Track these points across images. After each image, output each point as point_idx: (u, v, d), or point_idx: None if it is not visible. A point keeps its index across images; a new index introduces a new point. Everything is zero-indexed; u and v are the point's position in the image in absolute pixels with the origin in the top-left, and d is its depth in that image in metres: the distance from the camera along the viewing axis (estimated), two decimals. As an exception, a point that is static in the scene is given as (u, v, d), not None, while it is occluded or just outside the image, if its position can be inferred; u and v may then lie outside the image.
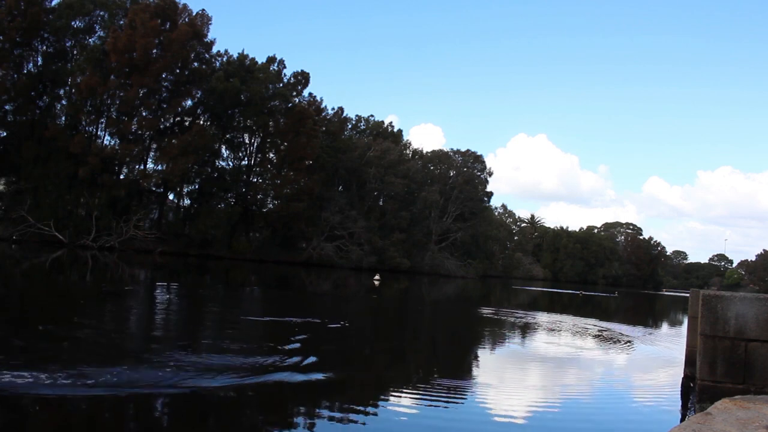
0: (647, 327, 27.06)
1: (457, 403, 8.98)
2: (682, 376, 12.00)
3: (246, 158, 65.40)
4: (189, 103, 58.61)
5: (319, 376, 9.58)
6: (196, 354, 10.25)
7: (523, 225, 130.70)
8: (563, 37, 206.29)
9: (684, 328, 16.03)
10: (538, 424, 8.37)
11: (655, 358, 16.76)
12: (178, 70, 54.94)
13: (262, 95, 59.31)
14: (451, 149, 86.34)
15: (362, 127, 78.11)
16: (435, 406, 8.55)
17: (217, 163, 63.47)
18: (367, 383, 9.98)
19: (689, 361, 11.24)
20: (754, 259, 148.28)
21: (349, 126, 76.23)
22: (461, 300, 38.99)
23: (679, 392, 11.26)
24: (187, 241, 56.75)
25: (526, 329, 21.69)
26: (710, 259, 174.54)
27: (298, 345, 12.07)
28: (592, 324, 25.78)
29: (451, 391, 9.65)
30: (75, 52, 54.33)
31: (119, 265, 36.27)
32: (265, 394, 8.41)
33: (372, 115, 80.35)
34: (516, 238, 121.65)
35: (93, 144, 53.68)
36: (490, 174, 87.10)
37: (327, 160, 64.88)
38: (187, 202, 64.05)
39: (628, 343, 20.57)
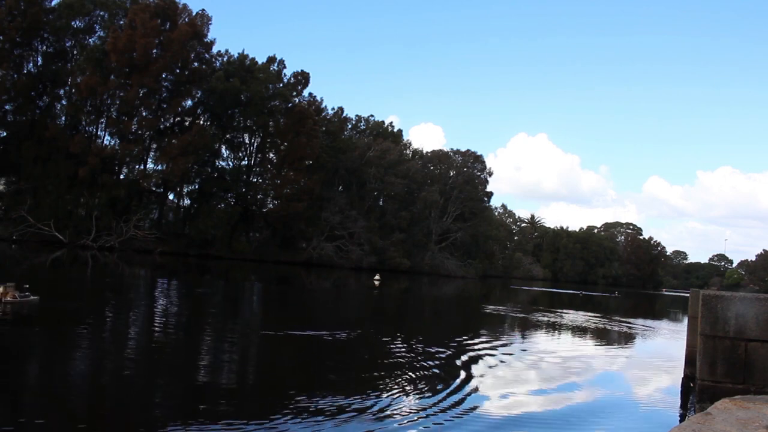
0: (648, 326, 27.05)
1: (456, 401, 8.99)
2: (682, 376, 12.00)
3: (246, 158, 65.43)
4: (189, 103, 58.66)
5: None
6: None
7: (523, 225, 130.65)
8: (564, 37, 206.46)
9: (684, 326, 16.03)
10: (539, 423, 8.38)
11: (655, 358, 16.77)
12: (178, 70, 54.91)
13: (262, 95, 59.28)
14: (451, 149, 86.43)
15: (362, 127, 78.05)
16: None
17: (217, 163, 63.54)
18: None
19: (689, 361, 11.24)
20: (754, 259, 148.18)
21: (349, 126, 76.18)
22: (481, 300, 38.99)
23: (679, 392, 11.27)
24: (187, 241, 56.70)
25: (529, 327, 21.70)
26: (710, 259, 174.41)
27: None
28: (596, 320, 25.80)
29: (450, 390, 9.67)
30: (75, 52, 54.29)
31: (119, 265, 36.30)
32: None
33: (372, 115, 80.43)
34: (516, 238, 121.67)
35: (93, 144, 53.65)
36: (490, 174, 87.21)
37: (327, 160, 64.84)
38: (187, 202, 64.10)
39: (630, 341, 20.58)
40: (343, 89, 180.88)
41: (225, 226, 57.29)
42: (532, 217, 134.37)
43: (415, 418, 7.92)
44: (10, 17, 48.23)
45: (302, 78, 64.72)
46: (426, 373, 11.09)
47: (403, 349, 13.84)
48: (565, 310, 33.57)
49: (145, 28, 49.99)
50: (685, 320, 15.09)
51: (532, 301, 42.41)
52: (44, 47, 53.06)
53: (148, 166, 57.32)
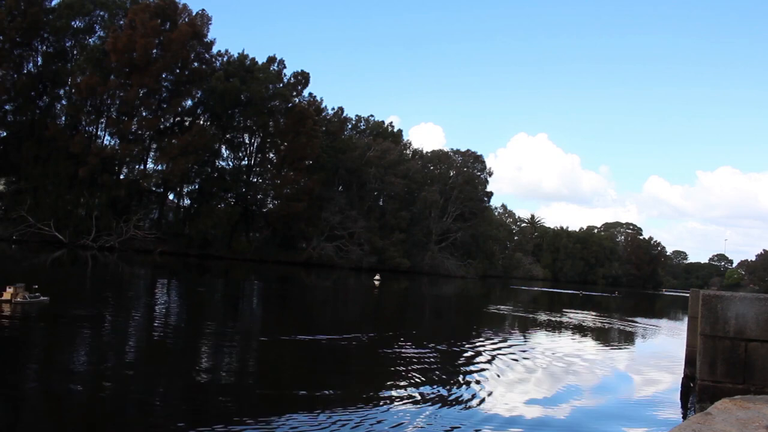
0: (648, 326, 27.05)
1: (456, 399, 8.99)
2: (682, 376, 12.00)
3: (246, 158, 65.42)
4: (189, 103, 58.70)
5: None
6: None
7: (523, 225, 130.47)
8: (563, 37, 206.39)
9: (684, 326, 16.04)
10: (539, 422, 8.37)
11: (655, 358, 16.76)
12: (178, 70, 54.90)
13: (262, 95, 59.27)
14: (451, 149, 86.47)
15: (362, 127, 78.05)
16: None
17: (217, 163, 63.55)
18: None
19: (689, 361, 11.23)
20: (754, 259, 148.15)
21: (349, 126, 76.18)
22: (482, 300, 38.98)
23: (679, 392, 11.27)
24: (187, 241, 56.70)
25: (530, 327, 21.69)
26: (710, 259, 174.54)
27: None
28: (596, 320, 25.80)
29: (452, 386, 9.66)
30: (75, 52, 54.29)
31: (119, 265, 36.29)
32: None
33: (372, 115, 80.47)
34: (516, 238, 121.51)
35: (93, 144, 53.65)
36: (490, 174, 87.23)
37: (327, 160, 64.84)
38: (187, 202, 64.10)
39: (631, 341, 20.57)
40: (343, 89, 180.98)
41: (225, 226, 57.30)
42: (532, 217, 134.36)
43: (418, 420, 7.91)
44: (10, 17, 48.24)
45: (302, 78, 64.74)
46: (428, 374, 11.08)
47: (405, 351, 13.84)
48: (565, 310, 33.58)
49: (145, 28, 49.99)
50: (685, 320, 15.09)
51: (533, 301, 42.41)
52: (44, 47, 53.07)
53: (148, 166, 57.47)
